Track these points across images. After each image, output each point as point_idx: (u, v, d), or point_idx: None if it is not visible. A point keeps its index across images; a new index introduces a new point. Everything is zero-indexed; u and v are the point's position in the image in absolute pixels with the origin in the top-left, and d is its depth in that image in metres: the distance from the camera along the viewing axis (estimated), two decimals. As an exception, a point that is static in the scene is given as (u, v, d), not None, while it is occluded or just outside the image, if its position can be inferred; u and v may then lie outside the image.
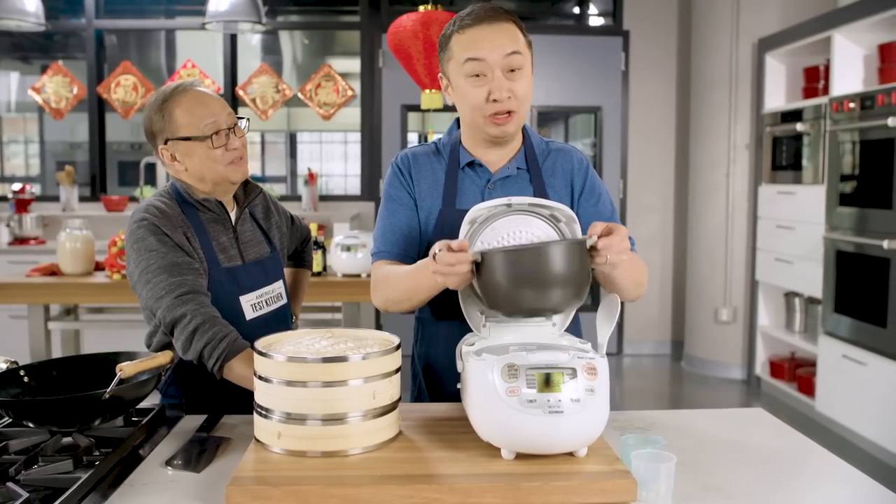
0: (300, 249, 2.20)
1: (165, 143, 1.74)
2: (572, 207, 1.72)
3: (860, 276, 3.97)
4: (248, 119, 1.82)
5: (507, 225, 1.50)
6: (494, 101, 1.59)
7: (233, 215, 1.84)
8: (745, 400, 4.96)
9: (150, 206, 1.72)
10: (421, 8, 3.65)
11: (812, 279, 4.43)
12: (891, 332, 3.71)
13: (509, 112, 1.61)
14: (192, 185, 1.78)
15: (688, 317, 5.76)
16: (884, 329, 3.76)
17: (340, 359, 1.30)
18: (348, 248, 3.82)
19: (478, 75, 1.59)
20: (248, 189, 1.87)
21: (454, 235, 1.55)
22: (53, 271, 3.81)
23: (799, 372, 4.74)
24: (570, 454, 1.29)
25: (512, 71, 1.59)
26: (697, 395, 5.11)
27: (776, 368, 4.99)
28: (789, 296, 4.96)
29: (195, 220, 1.76)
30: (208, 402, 1.71)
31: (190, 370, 1.67)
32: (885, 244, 3.69)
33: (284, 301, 1.92)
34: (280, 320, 1.87)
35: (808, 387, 4.57)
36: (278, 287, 1.89)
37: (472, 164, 1.72)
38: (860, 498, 1.30)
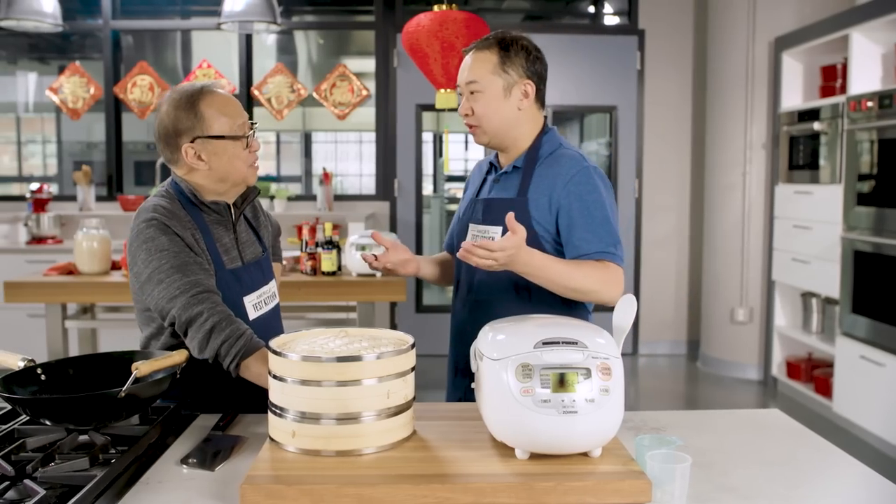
0: (272, 244, 2.19)
1: (192, 141, 1.71)
2: (551, 216, 1.79)
3: (878, 277, 3.93)
4: (257, 123, 1.83)
5: None
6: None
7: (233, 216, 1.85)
8: (762, 401, 4.92)
9: (158, 206, 1.70)
10: (436, 7, 3.63)
11: (829, 279, 4.39)
12: (909, 332, 3.67)
13: (474, 126, 1.85)
14: (207, 185, 1.76)
15: (703, 317, 5.72)
16: (902, 330, 3.73)
17: (355, 358, 1.30)
18: (363, 248, 3.81)
19: (461, 93, 1.87)
20: (248, 190, 1.86)
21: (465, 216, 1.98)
22: (70, 270, 3.83)
23: (816, 373, 4.70)
24: (585, 454, 1.29)
25: (472, 93, 1.82)
26: (713, 395, 5.08)
27: (793, 369, 4.95)
28: (806, 296, 4.92)
29: (199, 220, 1.75)
30: (212, 402, 1.71)
31: (193, 370, 1.66)
32: (904, 244, 3.65)
33: (278, 300, 1.94)
34: (276, 319, 1.90)
35: (825, 388, 4.53)
36: (273, 286, 1.92)
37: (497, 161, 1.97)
38: (876, 500, 1.29)
